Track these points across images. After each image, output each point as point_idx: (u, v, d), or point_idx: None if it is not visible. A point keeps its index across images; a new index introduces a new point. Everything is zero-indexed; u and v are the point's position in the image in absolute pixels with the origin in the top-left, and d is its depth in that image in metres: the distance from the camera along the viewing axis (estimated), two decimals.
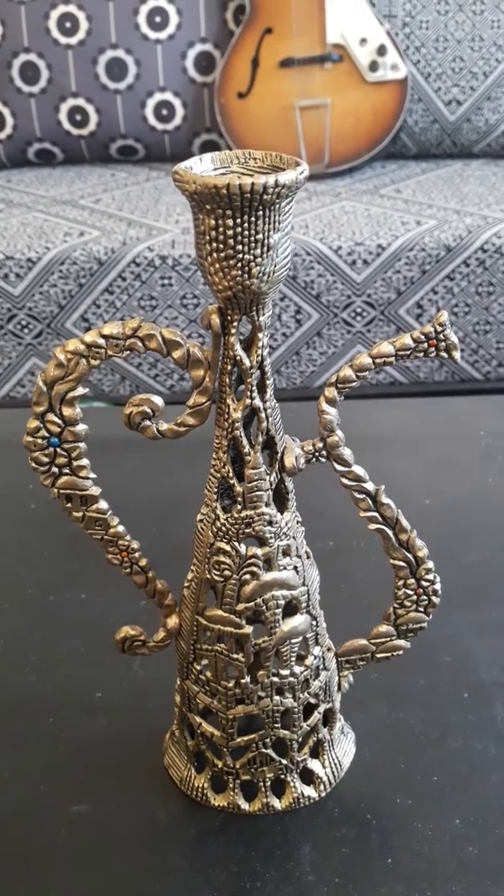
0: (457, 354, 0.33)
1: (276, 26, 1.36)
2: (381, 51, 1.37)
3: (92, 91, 1.44)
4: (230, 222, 0.29)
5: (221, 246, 0.30)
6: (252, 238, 0.30)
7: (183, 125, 1.46)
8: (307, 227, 1.21)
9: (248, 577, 0.35)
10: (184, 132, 1.47)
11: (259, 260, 0.30)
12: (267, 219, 0.30)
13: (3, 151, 1.48)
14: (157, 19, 1.41)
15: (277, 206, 0.30)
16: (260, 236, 0.30)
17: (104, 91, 1.44)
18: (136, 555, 0.37)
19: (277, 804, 0.39)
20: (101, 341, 0.32)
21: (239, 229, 0.29)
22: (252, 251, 0.30)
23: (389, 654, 0.40)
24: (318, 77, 1.37)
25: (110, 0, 1.41)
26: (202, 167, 0.32)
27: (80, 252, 1.17)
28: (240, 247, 0.30)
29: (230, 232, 0.30)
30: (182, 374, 1.22)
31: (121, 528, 0.36)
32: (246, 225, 0.29)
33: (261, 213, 0.29)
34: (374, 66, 1.37)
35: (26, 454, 0.34)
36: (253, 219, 0.29)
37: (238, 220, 0.29)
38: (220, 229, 0.30)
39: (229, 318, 0.32)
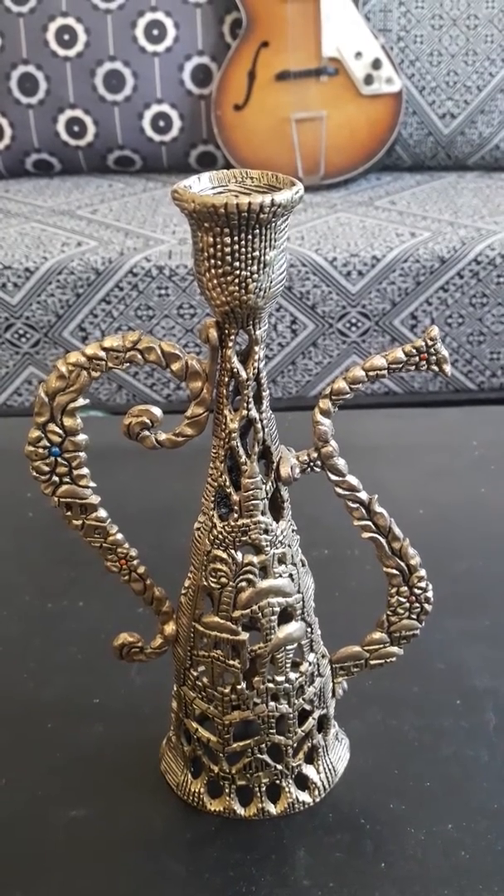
0: (447, 368, 0.34)
1: (273, 40, 1.38)
2: (376, 64, 1.38)
3: (90, 102, 1.45)
4: (228, 240, 0.30)
5: (219, 262, 0.31)
6: (249, 255, 0.31)
7: (180, 137, 1.47)
8: (303, 239, 1.22)
9: (244, 584, 0.36)
10: (181, 143, 1.48)
11: (256, 276, 0.31)
12: (263, 236, 0.30)
13: (2, 162, 1.49)
14: (155, 32, 1.43)
15: (274, 224, 0.30)
16: (256, 253, 0.31)
17: (102, 102, 1.45)
18: (135, 562, 0.38)
19: (273, 809, 0.40)
20: (102, 354, 0.33)
21: (236, 247, 0.30)
22: (249, 268, 0.31)
23: (383, 661, 0.40)
24: (313, 90, 1.39)
25: (108, 13, 1.42)
26: (200, 186, 0.33)
27: (77, 262, 1.18)
28: (237, 263, 0.31)
29: (228, 249, 0.30)
30: (178, 384, 1.23)
31: (119, 536, 0.37)
32: (243, 242, 0.30)
33: (257, 231, 0.30)
34: (369, 80, 1.39)
35: (27, 463, 0.35)
36: (250, 237, 0.30)
37: (235, 238, 0.30)
38: (218, 246, 0.30)
39: (226, 331, 0.33)
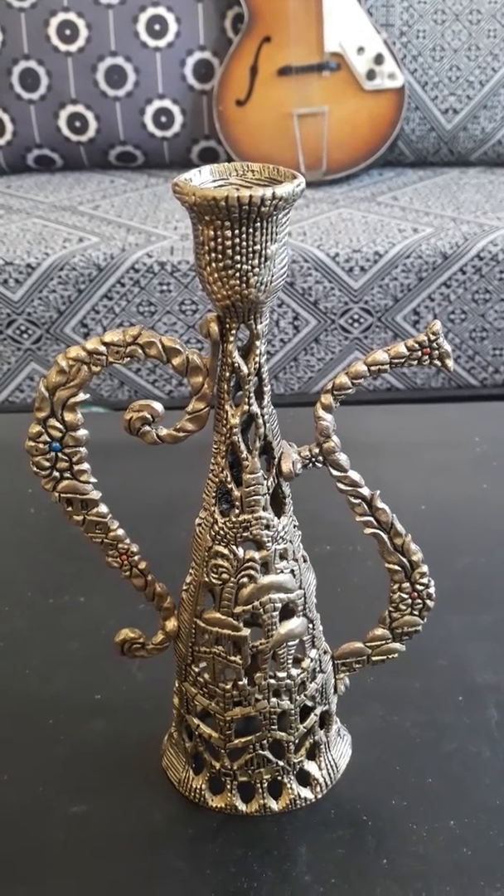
0: (450, 363, 0.34)
1: (275, 35, 1.37)
2: (379, 60, 1.38)
3: (91, 98, 1.45)
4: (228, 233, 0.30)
5: (220, 256, 0.31)
6: (250, 249, 0.30)
7: (182, 132, 1.47)
8: (305, 234, 1.21)
9: (245, 580, 0.36)
10: (182, 139, 1.48)
11: (256, 270, 0.31)
12: (264, 230, 0.30)
13: (3, 157, 1.49)
14: (157, 27, 1.42)
15: (275, 217, 0.30)
16: (258, 247, 0.31)
17: (103, 98, 1.45)
18: (136, 558, 0.38)
19: (274, 805, 0.40)
20: (103, 348, 0.32)
21: (237, 240, 0.30)
22: (250, 262, 0.31)
23: (385, 657, 0.40)
24: (315, 85, 1.38)
25: (110, 8, 1.42)
26: (201, 179, 0.32)
27: (79, 258, 1.18)
28: (238, 257, 0.31)
29: (228, 243, 0.30)
30: (180, 380, 1.23)
31: (120, 532, 0.37)
32: (244, 236, 0.30)
33: (258, 224, 0.30)
34: (371, 75, 1.38)
35: (27, 459, 0.35)
36: (251, 230, 0.30)
37: (236, 232, 0.30)
38: (219, 240, 0.30)
39: (228, 326, 0.33)
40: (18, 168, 1.51)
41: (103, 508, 0.36)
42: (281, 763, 0.39)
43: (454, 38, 1.44)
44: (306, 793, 0.40)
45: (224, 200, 0.29)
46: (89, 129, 1.47)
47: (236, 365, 0.33)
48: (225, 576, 0.36)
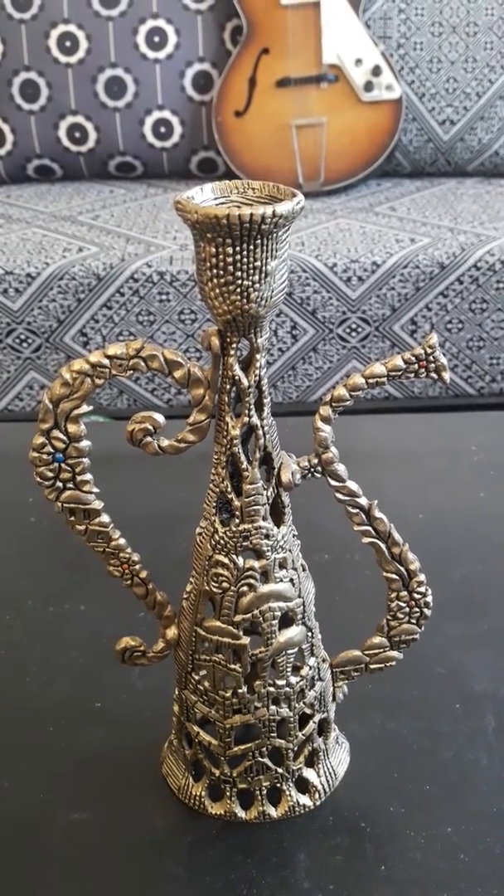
0: (446, 375, 0.34)
1: (273, 47, 1.39)
2: (376, 71, 1.39)
3: (91, 109, 1.46)
4: (230, 250, 0.31)
5: (221, 272, 0.31)
6: (251, 265, 0.31)
7: (181, 143, 1.48)
8: (303, 245, 1.22)
9: (245, 588, 0.36)
10: (181, 150, 1.49)
11: (257, 286, 0.32)
12: (265, 247, 0.31)
13: (3, 167, 1.50)
14: (156, 39, 1.43)
15: (275, 234, 0.31)
16: (258, 263, 0.31)
17: (103, 109, 1.46)
18: (137, 567, 0.38)
19: (273, 812, 0.40)
20: (106, 361, 0.33)
21: (238, 257, 0.31)
22: (250, 277, 0.31)
23: (383, 665, 0.41)
24: (314, 96, 1.39)
25: (110, 20, 1.43)
26: (203, 197, 0.33)
27: (78, 267, 1.18)
28: (239, 273, 0.31)
29: (230, 259, 0.31)
30: (179, 389, 1.23)
31: (122, 541, 0.37)
32: (245, 253, 0.31)
33: (259, 241, 0.31)
34: (369, 87, 1.39)
35: (28, 468, 0.35)
36: (251, 247, 0.31)
37: (237, 249, 0.31)
38: (220, 257, 0.31)
39: (228, 340, 0.34)
40: (18, 178, 1.52)
41: (105, 518, 0.36)
42: (280, 770, 0.39)
43: (451, 49, 1.45)
44: (305, 800, 0.40)
45: (225, 218, 0.30)
46: (89, 139, 1.47)
47: (237, 377, 0.34)
48: (225, 584, 0.36)
